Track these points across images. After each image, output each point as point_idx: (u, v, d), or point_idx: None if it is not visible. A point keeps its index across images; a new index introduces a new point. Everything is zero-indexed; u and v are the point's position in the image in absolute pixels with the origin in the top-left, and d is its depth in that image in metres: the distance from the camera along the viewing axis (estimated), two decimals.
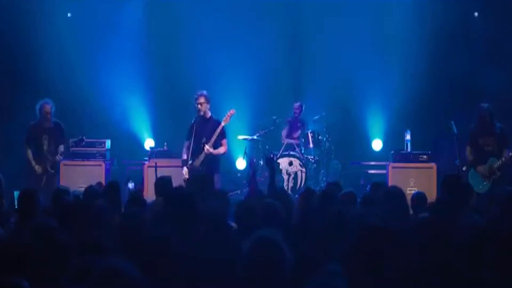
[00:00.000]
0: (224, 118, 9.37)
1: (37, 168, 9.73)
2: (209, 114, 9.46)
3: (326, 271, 3.13)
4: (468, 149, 9.45)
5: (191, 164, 9.36)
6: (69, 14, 12.20)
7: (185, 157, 9.47)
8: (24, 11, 11.59)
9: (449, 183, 6.22)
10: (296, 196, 6.60)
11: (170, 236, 3.84)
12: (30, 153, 9.80)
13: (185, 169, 9.39)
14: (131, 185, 7.28)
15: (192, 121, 9.48)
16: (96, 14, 11.91)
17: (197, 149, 9.36)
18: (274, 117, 11.35)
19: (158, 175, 9.75)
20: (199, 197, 5.20)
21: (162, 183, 6.99)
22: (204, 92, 9.42)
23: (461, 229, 4.25)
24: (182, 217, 4.78)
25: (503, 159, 9.18)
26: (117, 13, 12.27)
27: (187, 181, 9.20)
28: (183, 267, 3.77)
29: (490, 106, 9.46)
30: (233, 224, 5.42)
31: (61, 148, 9.86)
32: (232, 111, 9.45)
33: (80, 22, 12.04)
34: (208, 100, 9.40)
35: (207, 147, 9.18)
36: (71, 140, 10.23)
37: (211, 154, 9.22)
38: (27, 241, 3.56)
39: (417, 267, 3.73)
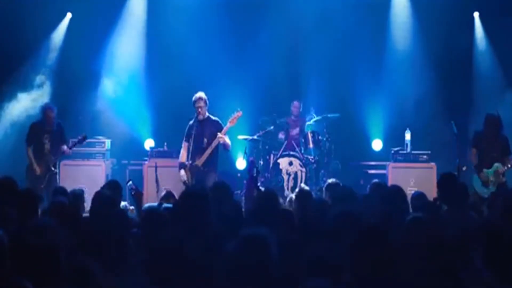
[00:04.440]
0: (230, 119, 9.41)
1: (37, 169, 9.75)
2: (206, 115, 9.50)
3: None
4: (473, 151, 9.53)
5: (191, 164, 9.39)
6: (69, 14, 12.21)
7: (182, 159, 9.51)
8: (23, 10, 11.57)
9: (445, 182, 6.21)
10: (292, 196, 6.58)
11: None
12: (31, 152, 9.84)
13: (182, 172, 9.43)
14: (129, 185, 7.29)
15: (191, 123, 9.50)
16: (97, 13, 11.90)
17: (198, 150, 9.40)
18: (275, 117, 11.36)
19: (158, 175, 9.85)
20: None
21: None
22: (202, 95, 9.44)
23: (459, 229, 4.25)
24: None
25: (509, 165, 9.29)
26: (117, 13, 12.28)
27: (185, 183, 9.29)
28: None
29: (499, 114, 9.54)
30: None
31: (64, 147, 9.91)
32: (239, 113, 9.48)
33: (80, 21, 12.03)
34: (206, 103, 9.46)
35: (219, 135, 9.23)
36: (71, 140, 10.25)
37: (213, 152, 9.28)
38: (26, 241, 3.56)
39: (416, 268, 3.73)
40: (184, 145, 9.55)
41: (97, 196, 5.81)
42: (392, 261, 3.35)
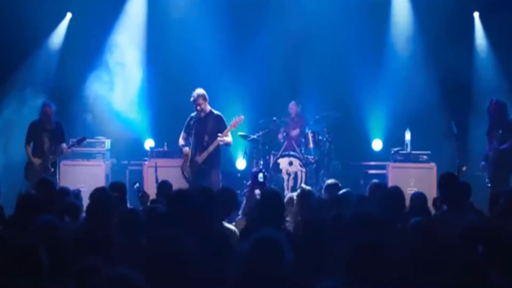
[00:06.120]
0: (232, 123, 9.39)
1: (35, 161, 9.78)
2: (208, 109, 9.50)
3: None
4: (488, 143, 9.57)
5: (192, 159, 9.40)
6: (69, 14, 12.22)
7: (182, 142, 9.52)
8: (23, 10, 11.57)
9: (446, 182, 6.21)
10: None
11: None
12: (29, 150, 9.90)
13: (186, 148, 9.44)
14: (136, 186, 7.35)
15: (192, 116, 9.50)
16: (97, 13, 11.90)
17: (199, 147, 9.41)
18: (274, 118, 11.37)
19: (158, 175, 9.85)
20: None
21: (165, 187, 7.08)
22: (199, 92, 9.42)
23: (459, 228, 4.25)
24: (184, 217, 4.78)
25: None
26: (117, 13, 12.29)
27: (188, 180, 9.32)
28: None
29: (500, 100, 9.47)
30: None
31: (64, 145, 9.94)
32: (241, 117, 9.46)
33: (80, 21, 12.03)
34: (206, 98, 9.44)
35: (220, 138, 9.23)
36: (70, 140, 10.29)
37: (214, 150, 9.28)
38: (30, 240, 3.56)
39: (416, 269, 3.73)
40: (183, 135, 9.57)
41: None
42: (389, 272, 3.35)
